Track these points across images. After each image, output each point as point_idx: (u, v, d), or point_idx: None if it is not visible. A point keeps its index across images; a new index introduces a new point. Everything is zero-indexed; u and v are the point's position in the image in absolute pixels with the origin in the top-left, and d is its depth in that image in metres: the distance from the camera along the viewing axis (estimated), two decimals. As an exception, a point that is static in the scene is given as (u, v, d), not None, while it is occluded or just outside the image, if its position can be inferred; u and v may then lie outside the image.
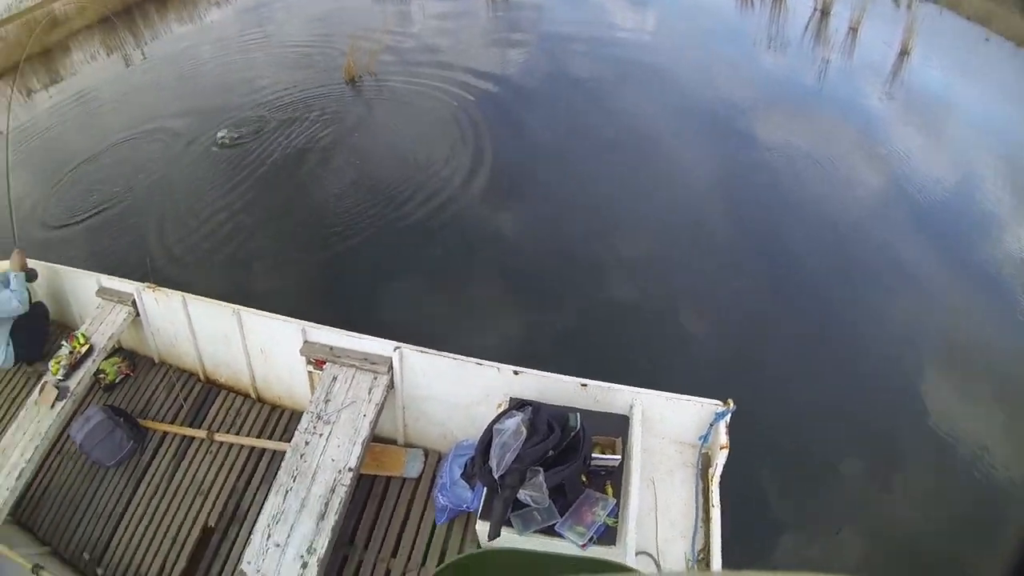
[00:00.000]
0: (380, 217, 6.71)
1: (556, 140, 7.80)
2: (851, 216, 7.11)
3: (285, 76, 9.98)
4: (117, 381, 4.58)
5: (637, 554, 2.78)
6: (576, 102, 8.60)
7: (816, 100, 9.55)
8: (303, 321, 3.79)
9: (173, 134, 9.05)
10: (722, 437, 3.04)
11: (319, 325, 3.75)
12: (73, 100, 11.19)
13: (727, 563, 2.82)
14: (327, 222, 6.75)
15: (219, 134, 8.38)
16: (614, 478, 2.97)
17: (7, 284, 4.44)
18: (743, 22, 11.75)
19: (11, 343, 4.54)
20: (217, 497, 3.78)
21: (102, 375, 4.51)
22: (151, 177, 8.16)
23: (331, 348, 3.70)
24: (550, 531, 2.77)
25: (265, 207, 7.19)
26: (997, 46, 13.66)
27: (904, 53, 11.40)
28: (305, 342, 3.78)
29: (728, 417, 3.06)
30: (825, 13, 12.35)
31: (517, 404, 2.96)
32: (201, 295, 4.24)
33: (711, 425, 3.15)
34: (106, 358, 4.45)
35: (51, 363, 4.17)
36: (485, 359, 3.35)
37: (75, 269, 4.91)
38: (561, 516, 2.79)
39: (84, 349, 4.22)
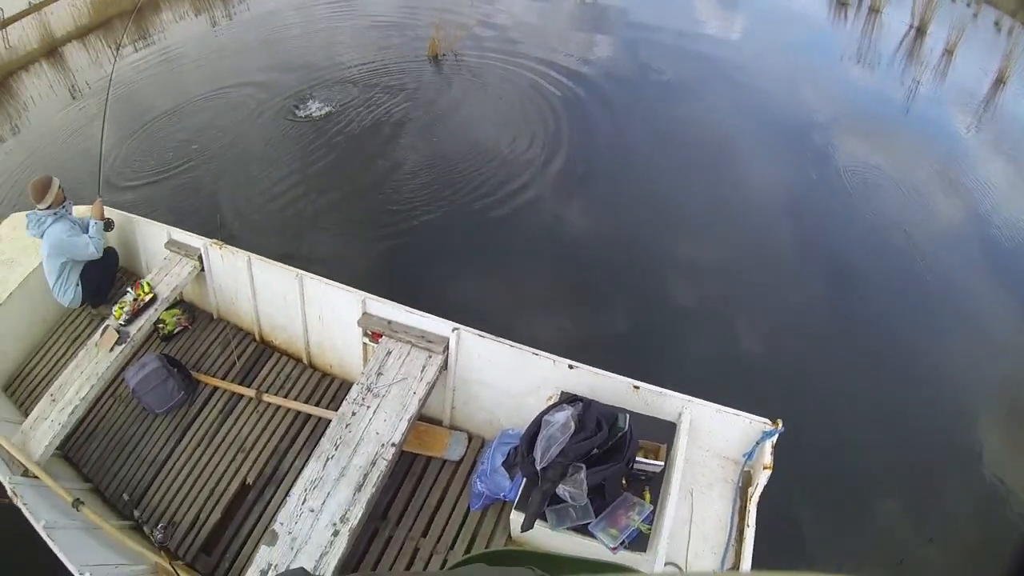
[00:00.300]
0: (449, 198, 6.70)
1: (631, 137, 7.68)
2: (926, 246, 6.82)
3: (369, 48, 10.01)
4: (175, 332, 4.71)
5: (666, 564, 2.73)
6: (656, 100, 8.47)
7: (901, 122, 9.18)
8: (364, 292, 3.81)
9: (253, 97, 9.19)
10: (767, 457, 2.95)
11: (380, 298, 3.76)
12: (158, 58, 11.50)
13: None
14: (396, 197, 6.78)
15: (300, 108, 8.47)
16: (653, 484, 2.92)
17: (86, 230, 4.61)
18: (835, 34, 11.37)
19: (80, 285, 4.70)
20: (259, 456, 3.84)
21: (161, 325, 4.63)
22: (228, 137, 8.34)
23: (389, 322, 3.71)
24: (583, 530, 2.74)
25: (337, 176, 7.25)
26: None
27: (1000, 81, 10.88)
28: (364, 313, 3.80)
29: (775, 437, 2.97)
30: (921, 32, 11.84)
31: (568, 398, 2.92)
32: (266, 257, 4.32)
33: (757, 443, 3.06)
34: (167, 308, 4.56)
35: (115, 308, 4.30)
36: (541, 350, 3.31)
37: (147, 220, 5.05)
38: (596, 516, 2.76)
39: (148, 298, 4.34)
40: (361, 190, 7.03)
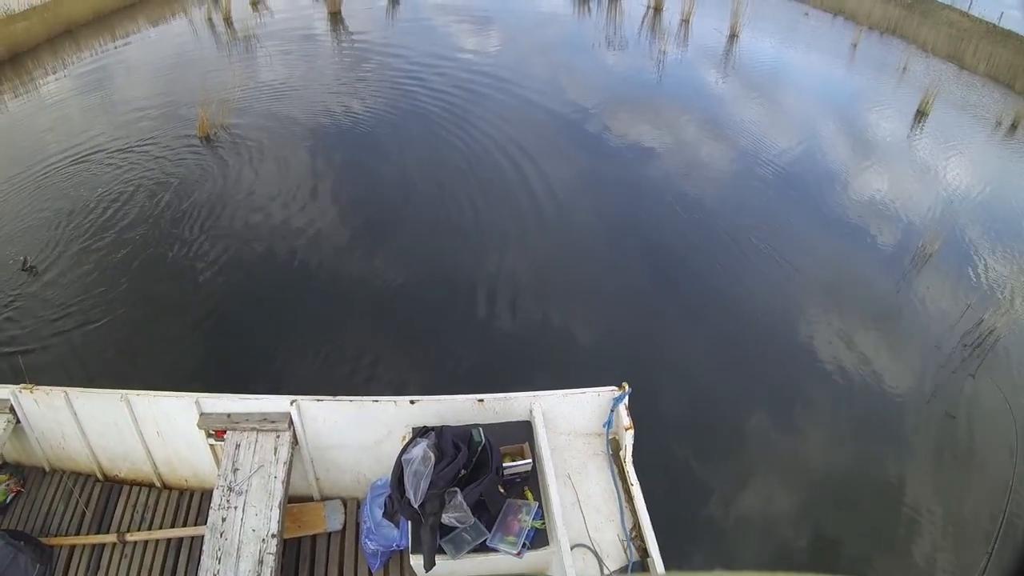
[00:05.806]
0: (253, 275, 6.43)
1: (409, 174, 7.76)
2: (708, 188, 7.61)
3: (138, 137, 9.13)
4: (8, 501, 4.26)
5: (573, 547, 2.88)
6: (424, 130, 8.63)
7: (658, 91, 10.14)
8: (195, 393, 3.68)
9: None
10: (624, 419, 3.20)
11: (211, 394, 3.65)
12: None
13: (659, 535, 2.95)
14: (202, 287, 6.36)
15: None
16: (531, 483, 3.08)
17: None
18: (581, 27, 12.30)
19: None
20: (143, 603, 3.60)
21: (-10, 499, 4.22)
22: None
23: (228, 415, 3.61)
24: (483, 548, 2.83)
25: (135, 281, 6.55)
26: (816, 18, 15.10)
27: (733, 36, 12.37)
28: (201, 414, 3.66)
29: (626, 399, 3.22)
30: (658, 9, 13.22)
31: (420, 432, 3.00)
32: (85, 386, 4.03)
33: (611, 410, 3.30)
34: (-9, 479, 4.16)
35: (-72, 499, 3.87)
36: (381, 396, 3.38)
37: None
38: (490, 531, 2.87)
39: (-36, 474, 3.94)
40: (162, 290, 6.41)
